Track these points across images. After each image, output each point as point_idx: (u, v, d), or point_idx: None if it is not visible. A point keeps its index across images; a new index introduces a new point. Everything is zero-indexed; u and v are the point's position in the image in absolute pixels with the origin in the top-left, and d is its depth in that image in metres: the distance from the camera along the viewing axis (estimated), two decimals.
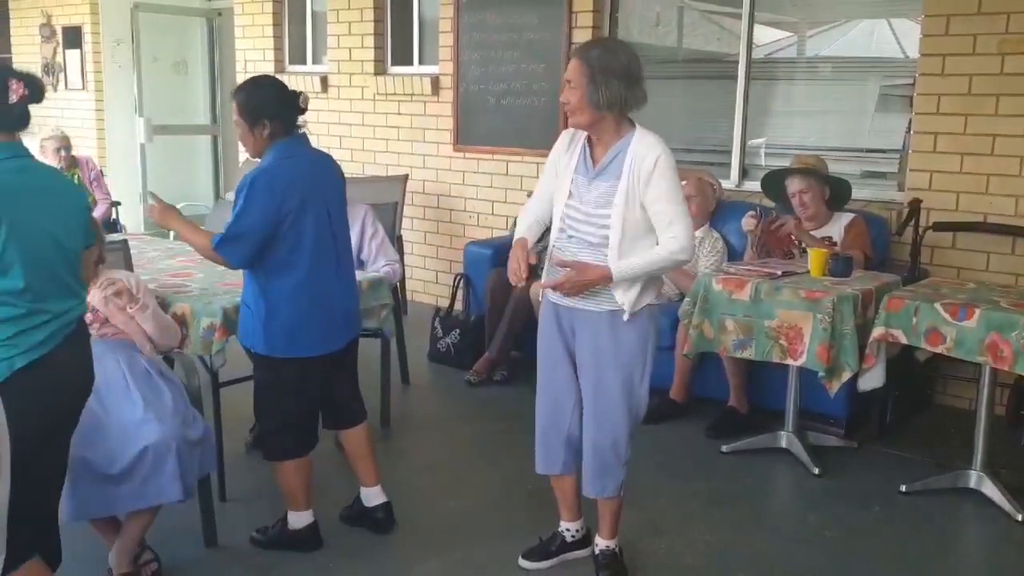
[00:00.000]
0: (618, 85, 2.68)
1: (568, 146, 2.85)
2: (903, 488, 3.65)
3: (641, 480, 3.74)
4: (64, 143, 5.94)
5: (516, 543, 3.14)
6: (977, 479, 3.60)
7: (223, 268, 3.04)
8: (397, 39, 6.80)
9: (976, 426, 3.62)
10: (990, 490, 3.54)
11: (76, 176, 5.90)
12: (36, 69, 9.65)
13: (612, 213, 2.68)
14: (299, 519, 3.17)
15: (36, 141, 5.99)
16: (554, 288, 2.76)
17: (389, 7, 6.76)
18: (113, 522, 2.94)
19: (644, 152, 2.68)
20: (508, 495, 3.61)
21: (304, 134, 3.06)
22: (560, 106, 2.88)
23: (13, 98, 2.32)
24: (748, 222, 4.56)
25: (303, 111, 3.00)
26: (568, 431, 2.92)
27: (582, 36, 5.68)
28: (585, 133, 2.80)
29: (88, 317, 3.11)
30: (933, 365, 4.23)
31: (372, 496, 3.32)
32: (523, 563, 3.07)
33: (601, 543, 3.02)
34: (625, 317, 2.74)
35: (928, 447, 4.09)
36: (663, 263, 2.71)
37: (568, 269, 2.72)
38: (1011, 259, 4.45)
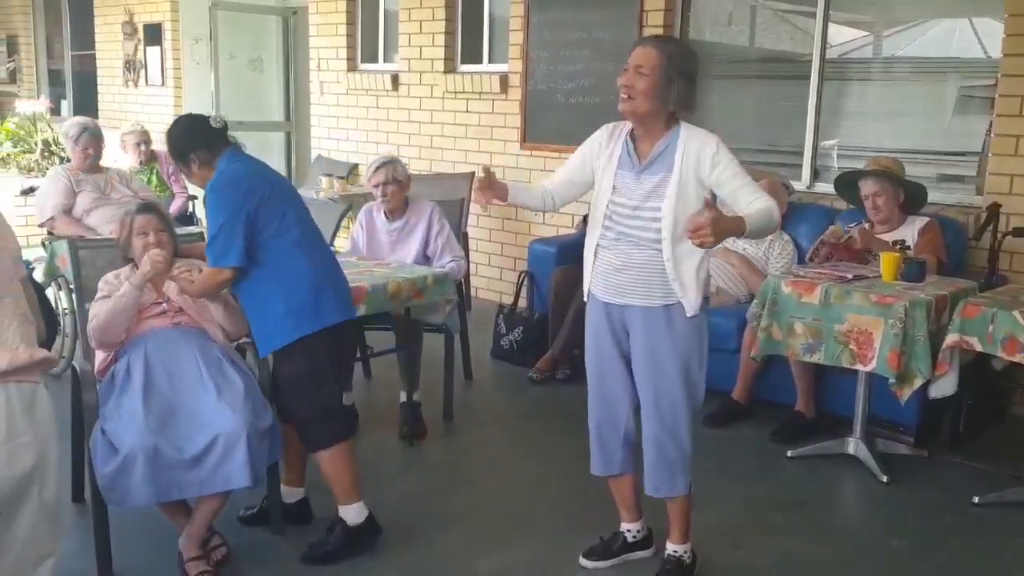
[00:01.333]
0: (687, 86, 2.68)
1: (609, 141, 2.81)
2: (976, 499, 3.56)
3: (703, 484, 3.68)
4: (144, 138, 6.12)
5: (578, 541, 3.14)
6: None
7: None
8: (467, 38, 6.85)
9: None
10: None
11: (155, 170, 6.07)
12: (118, 65, 9.97)
13: (663, 205, 2.66)
14: (356, 513, 3.08)
15: (117, 136, 6.19)
16: (694, 231, 2.45)
17: (460, 6, 6.81)
18: (183, 507, 3.03)
19: (701, 142, 2.67)
20: (569, 492, 3.61)
21: (239, 145, 3.10)
22: (636, 92, 2.67)
23: None
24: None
25: (220, 129, 3.02)
26: (625, 430, 2.91)
27: (653, 34, 5.66)
28: (628, 128, 2.78)
29: (164, 306, 3.22)
30: (1009, 374, 4.10)
31: (296, 494, 3.32)
32: (584, 562, 3.07)
33: (669, 547, 2.98)
34: (689, 314, 2.72)
35: (1003, 458, 3.97)
36: (771, 212, 2.62)
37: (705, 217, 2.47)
38: None
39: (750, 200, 2.63)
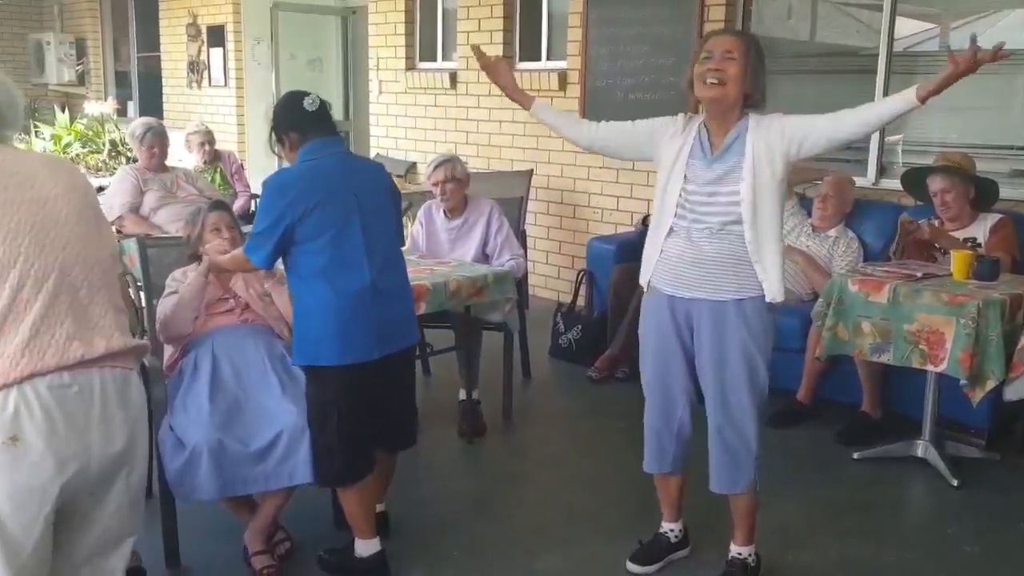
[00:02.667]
0: (764, 78, 2.70)
1: (683, 129, 2.77)
2: None
3: (769, 486, 3.65)
4: (208, 137, 6.22)
5: (635, 541, 3.10)
6: None
7: None
8: (526, 35, 6.84)
9: None
10: None
11: (219, 169, 6.18)
12: (182, 67, 10.16)
13: (741, 188, 2.63)
14: (365, 547, 2.94)
15: (183, 136, 6.31)
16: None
17: (519, 3, 6.80)
18: (249, 502, 3.07)
19: (768, 120, 2.68)
20: (629, 492, 3.58)
21: (337, 138, 2.91)
22: (729, 77, 2.64)
23: None
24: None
25: (313, 112, 2.84)
26: (679, 428, 2.89)
27: (713, 29, 5.58)
28: (701, 120, 2.76)
29: (231, 303, 3.27)
30: None
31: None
32: (632, 567, 3.03)
33: (733, 549, 2.95)
34: (769, 298, 2.69)
35: None
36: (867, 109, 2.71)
37: None
38: None
39: (837, 118, 2.62)
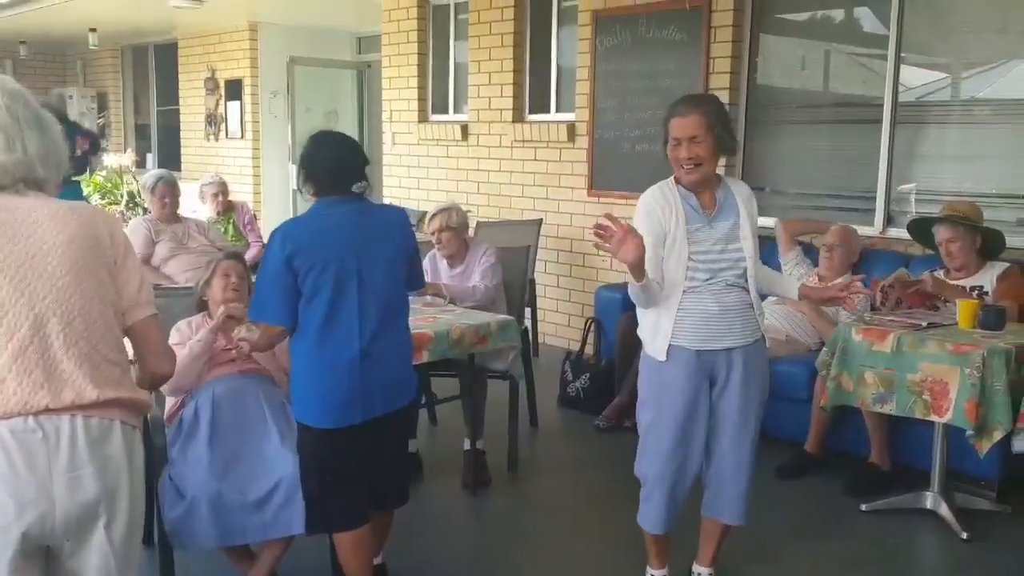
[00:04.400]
0: (732, 133, 2.87)
1: (665, 203, 2.83)
2: None
3: (772, 538, 3.63)
4: (221, 188, 6.30)
5: None
6: None
7: None
8: (535, 87, 6.93)
9: None
10: None
11: (232, 220, 6.25)
12: (200, 120, 10.35)
13: (743, 245, 2.83)
14: None
15: (197, 187, 6.40)
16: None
17: (528, 56, 6.91)
18: (247, 551, 3.06)
19: (747, 192, 2.97)
20: (635, 542, 3.53)
21: (353, 195, 2.78)
22: (703, 160, 2.80)
23: (78, 152, 2.47)
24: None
25: (346, 178, 2.75)
26: (691, 484, 2.96)
27: (719, 82, 5.64)
28: (670, 186, 2.88)
29: (233, 353, 3.29)
30: None
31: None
32: None
33: (704, 571, 3.09)
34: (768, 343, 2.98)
35: None
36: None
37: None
38: None
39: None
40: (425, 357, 3.59)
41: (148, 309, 2.00)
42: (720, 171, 2.97)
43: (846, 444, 4.27)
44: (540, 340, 6.67)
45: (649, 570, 3.12)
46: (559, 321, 6.76)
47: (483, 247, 4.42)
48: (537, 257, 6.46)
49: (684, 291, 2.80)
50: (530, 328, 6.55)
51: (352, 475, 2.82)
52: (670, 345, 2.82)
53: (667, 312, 2.81)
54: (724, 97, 5.63)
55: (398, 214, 2.98)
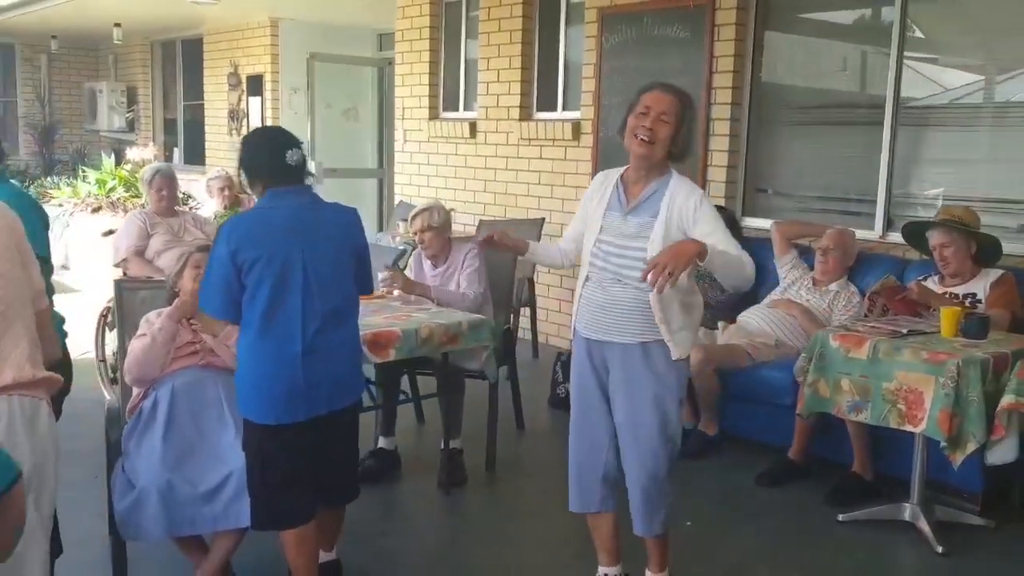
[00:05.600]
0: (693, 137, 2.80)
1: (601, 186, 2.88)
2: None
3: (741, 547, 3.56)
4: (227, 183, 6.34)
5: None
6: None
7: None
8: (543, 85, 6.88)
9: None
10: None
11: (238, 213, 6.28)
12: (224, 115, 10.45)
13: (648, 247, 2.70)
14: None
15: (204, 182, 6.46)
16: (652, 269, 2.53)
17: (536, 54, 6.87)
18: (200, 543, 3.06)
19: (687, 192, 2.75)
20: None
21: (301, 187, 2.82)
22: (658, 139, 2.69)
23: None
24: None
25: (291, 167, 2.77)
26: (604, 469, 2.90)
27: (723, 80, 5.56)
28: (619, 173, 2.84)
29: (196, 347, 3.30)
30: None
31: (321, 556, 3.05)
32: None
33: None
34: (675, 356, 2.76)
35: None
36: (738, 266, 2.73)
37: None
38: None
39: (725, 250, 2.68)
40: (392, 355, 3.57)
41: (46, 299, 2.16)
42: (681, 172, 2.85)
43: (831, 452, 4.17)
44: (542, 341, 6.62)
45: (600, 568, 3.08)
46: (562, 322, 6.70)
47: (467, 247, 4.38)
48: None
49: (587, 277, 2.82)
50: (530, 329, 6.52)
51: (298, 473, 2.80)
52: (574, 325, 2.92)
53: (577, 292, 2.88)
54: (727, 96, 5.56)
55: (349, 214, 2.96)
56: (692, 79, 5.63)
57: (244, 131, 10.16)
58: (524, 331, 6.41)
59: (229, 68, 10.27)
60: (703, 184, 5.59)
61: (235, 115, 10.27)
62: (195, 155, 11.31)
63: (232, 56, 10.25)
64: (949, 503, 3.77)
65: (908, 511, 3.68)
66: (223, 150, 10.45)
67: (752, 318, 4.67)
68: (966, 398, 3.23)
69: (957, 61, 5.30)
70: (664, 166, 2.77)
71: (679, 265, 2.52)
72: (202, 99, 11.03)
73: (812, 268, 4.74)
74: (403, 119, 8.04)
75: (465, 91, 7.60)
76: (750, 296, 4.86)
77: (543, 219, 6.44)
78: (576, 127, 6.42)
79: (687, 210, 2.70)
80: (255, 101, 9.99)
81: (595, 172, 6.23)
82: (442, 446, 4.12)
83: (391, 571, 3.33)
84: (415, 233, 4.29)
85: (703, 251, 2.58)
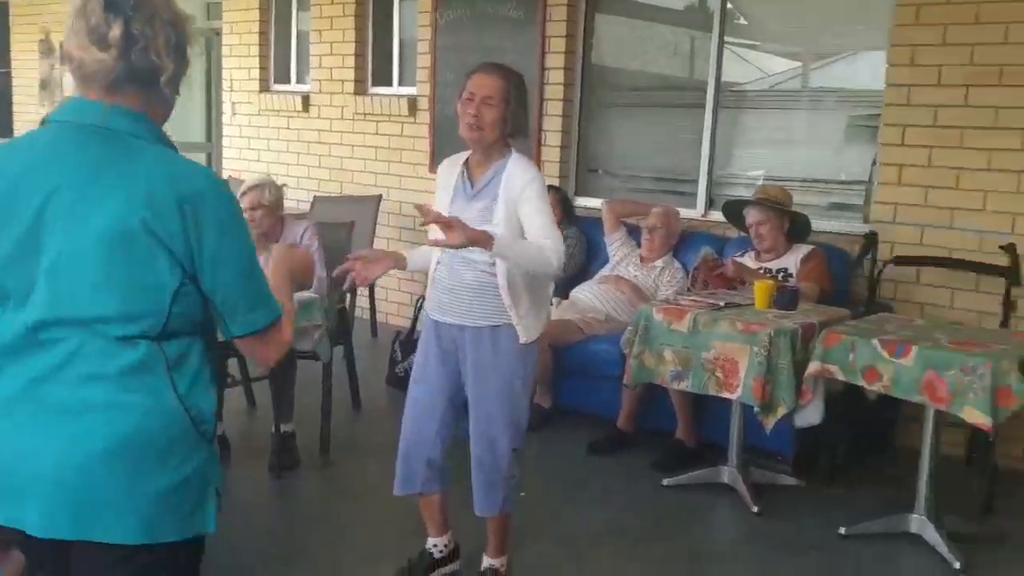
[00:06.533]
0: (525, 113, 2.78)
1: (447, 172, 2.89)
2: (842, 531, 3.51)
3: (567, 513, 3.66)
4: None
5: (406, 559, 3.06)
6: (919, 524, 3.45)
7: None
8: (378, 59, 6.78)
9: (919, 468, 3.47)
10: (931, 536, 3.39)
11: None
12: (34, 85, 9.76)
13: (494, 231, 2.67)
14: None
15: None
16: (441, 226, 2.55)
17: (371, 27, 6.75)
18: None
19: (519, 173, 2.75)
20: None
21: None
22: (485, 123, 2.70)
23: None
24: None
25: None
26: (430, 454, 2.91)
27: (555, 61, 5.64)
28: (465, 157, 2.84)
29: None
30: (892, 405, 4.08)
31: None
32: None
33: (486, 560, 3.02)
34: (523, 340, 2.77)
35: (879, 489, 3.95)
36: (537, 256, 2.66)
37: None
38: (974, 296, 4.32)
39: (535, 236, 2.68)
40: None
41: None
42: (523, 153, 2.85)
43: (658, 422, 4.35)
44: (381, 320, 6.56)
45: (428, 540, 3.11)
46: (401, 300, 6.67)
47: (302, 226, 4.25)
48: (377, 234, 6.34)
49: (437, 261, 2.83)
50: (368, 308, 6.44)
51: None
52: (425, 307, 2.94)
53: (429, 276, 2.89)
54: (559, 77, 5.65)
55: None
56: (526, 59, 5.67)
57: (58, 102, 9.53)
58: (363, 310, 6.33)
59: (40, 35, 9.58)
60: (538, 163, 5.67)
61: (47, 84, 9.60)
62: (2, 127, 10.50)
63: (43, 22, 9.56)
64: (764, 466, 4.00)
65: (727, 474, 3.88)
66: (35, 122, 9.75)
67: (583, 294, 4.79)
68: (777, 366, 3.43)
69: (777, 47, 5.58)
70: (503, 147, 2.77)
71: (458, 240, 2.50)
72: (9, 67, 10.25)
73: (640, 246, 4.90)
74: (231, 91, 7.75)
75: (297, 63, 7.39)
76: (582, 273, 4.98)
77: (380, 196, 6.37)
78: (412, 103, 6.37)
79: (517, 187, 2.71)
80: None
81: (432, 148, 6.28)
82: (272, 430, 4.02)
83: (220, 557, 3.21)
84: (245, 211, 4.13)
85: (488, 244, 2.54)
